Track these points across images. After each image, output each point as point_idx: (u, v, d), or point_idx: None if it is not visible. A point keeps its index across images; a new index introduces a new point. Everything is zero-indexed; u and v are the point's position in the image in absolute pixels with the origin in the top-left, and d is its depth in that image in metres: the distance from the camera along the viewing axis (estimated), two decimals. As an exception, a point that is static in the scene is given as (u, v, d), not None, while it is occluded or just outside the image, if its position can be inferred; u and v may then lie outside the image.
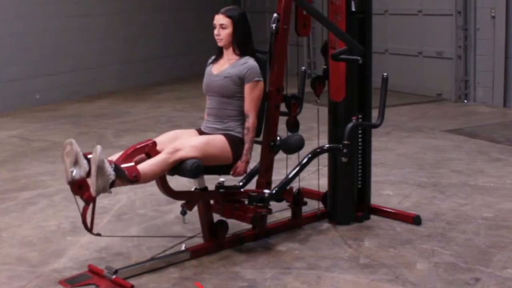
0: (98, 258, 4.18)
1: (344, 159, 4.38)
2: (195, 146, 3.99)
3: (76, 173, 3.63)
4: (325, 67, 4.70)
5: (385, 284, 3.76)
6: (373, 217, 4.82)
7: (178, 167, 3.94)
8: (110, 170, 3.63)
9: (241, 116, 4.22)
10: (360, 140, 4.76)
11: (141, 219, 4.95)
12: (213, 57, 4.40)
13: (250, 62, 4.21)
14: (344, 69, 4.57)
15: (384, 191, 5.44)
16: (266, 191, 4.31)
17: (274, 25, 4.32)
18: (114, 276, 3.79)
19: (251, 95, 4.18)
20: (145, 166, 3.84)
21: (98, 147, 3.59)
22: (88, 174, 3.65)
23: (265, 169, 4.40)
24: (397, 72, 9.72)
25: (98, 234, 3.88)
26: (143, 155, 3.96)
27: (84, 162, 3.65)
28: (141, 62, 11.86)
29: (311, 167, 4.80)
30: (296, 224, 4.64)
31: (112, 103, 10.24)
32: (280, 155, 4.52)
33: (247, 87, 4.18)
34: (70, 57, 10.51)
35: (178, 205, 4.45)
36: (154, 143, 3.99)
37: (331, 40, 4.63)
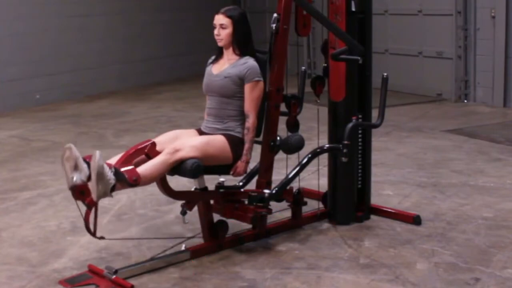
0: (98, 258, 4.18)
1: (344, 159, 4.38)
2: (195, 146, 3.98)
3: (76, 178, 3.62)
4: (325, 65, 4.70)
5: (385, 284, 3.76)
6: (373, 217, 4.82)
7: (178, 167, 3.94)
8: (110, 174, 3.63)
9: (241, 116, 4.22)
10: (360, 140, 4.76)
11: (141, 219, 4.95)
12: (213, 57, 4.40)
13: (250, 62, 4.20)
14: (344, 69, 4.57)
15: (384, 191, 5.44)
16: (266, 191, 4.31)
17: (274, 25, 4.32)
18: (114, 276, 3.79)
19: (251, 95, 4.18)
20: (145, 168, 3.83)
21: (97, 153, 3.58)
22: (89, 178, 3.63)
23: (265, 169, 4.40)
24: (397, 72, 9.72)
25: (102, 238, 3.88)
26: (143, 156, 3.96)
27: (84, 166, 3.64)
28: (141, 62, 11.86)
29: (311, 167, 4.80)
30: (296, 224, 4.64)
31: (112, 103, 10.24)
32: (280, 155, 4.52)
33: (247, 87, 4.18)
34: (70, 57, 10.51)
35: (178, 205, 4.45)
36: (154, 144, 3.98)
37: (331, 41, 4.63)
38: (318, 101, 4.69)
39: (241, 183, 4.53)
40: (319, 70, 8.76)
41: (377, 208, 4.88)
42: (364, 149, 4.80)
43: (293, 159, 4.69)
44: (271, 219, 4.59)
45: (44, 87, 10.06)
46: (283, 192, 4.42)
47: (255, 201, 4.24)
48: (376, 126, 4.60)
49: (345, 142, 4.35)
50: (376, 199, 5.05)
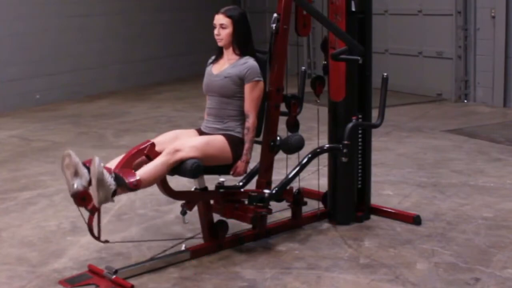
0: (98, 258, 4.18)
1: (344, 159, 4.38)
2: (195, 146, 3.98)
3: (77, 184, 3.62)
4: (325, 62, 4.70)
5: (385, 284, 3.76)
6: (373, 217, 4.82)
7: (178, 167, 3.94)
8: (110, 180, 3.63)
9: (241, 116, 4.22)
10: (360, 140, 4.76)
11: (141, 219, 4.95)
12: (213, 57, 4.40)
13: (250, 62, 4.20)
14: (344, 69, 4.57)
15: (384, 191, 5.44)
16: (266, 191, 4.31)
17: (274, 25, 4.32)
18: (114, 276, 3.79)
19: (251, 95, 4.18)
20: (146, 171, 3.83)
21: (96, 159, 3.58)
22: (90, 182, 3.63)
23: (265, 169, 4.40)
24: (397, 72, 9.72)
25: (107, 241, 3.88)
26: (143, 157, 3.95)
27: (84, 171, 3.64)
28: (141, 62, 11.85)
29: (311, 167, 4.80)
30: (296, 224, 4.64)
31: (112, 103, 10.24)
32: (280, 155, 4.52)
33: (247, 87, 4.18)
34: (70, 57, 10.50)
35: (178, 205, 4.45)
36: (153, 144, 3.98)
37: (331, 41, 4.63)
38: (318, 101, 4.69)
39: (241, 183, 4.53)
40: (319, 70, 8.76)
41: (377, 208, 4.88)
42: (364, 149, 4.80)
43: (293, 159, 4.69)
44: (271, 219, 4.59)
45: (44, 87, 10.06)
46: (283, 192, 4.42)
47: (255, 201, 4.24)
48: (376, 126, 4.59)
49: (345, 142, 4.35)
50: (376, 199, 5.04)
